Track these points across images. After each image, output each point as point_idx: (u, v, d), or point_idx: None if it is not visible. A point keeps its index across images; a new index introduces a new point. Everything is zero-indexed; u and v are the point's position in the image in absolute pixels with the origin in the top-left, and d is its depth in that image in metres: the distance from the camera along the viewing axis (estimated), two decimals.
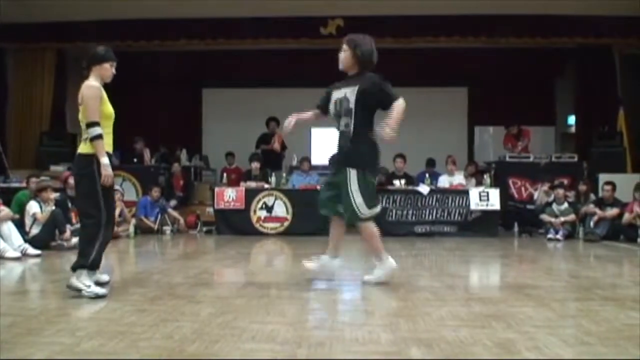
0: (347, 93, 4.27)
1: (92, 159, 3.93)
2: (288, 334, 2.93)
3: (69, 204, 7.58)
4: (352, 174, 4.22)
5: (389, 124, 4.10)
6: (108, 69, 4.17)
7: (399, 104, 4.17)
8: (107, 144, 4.04)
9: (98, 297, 3.81)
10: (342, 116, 4.28)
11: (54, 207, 6.98)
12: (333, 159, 4.64)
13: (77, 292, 3.83)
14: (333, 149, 4.46)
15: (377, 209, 4.38)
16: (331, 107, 4.38)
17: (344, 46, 4.37)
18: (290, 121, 4.54)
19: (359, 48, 4.30)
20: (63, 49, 11.87)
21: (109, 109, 4.12)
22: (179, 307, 3.58)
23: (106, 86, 4.21)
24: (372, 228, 4.35)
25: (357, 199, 4.20)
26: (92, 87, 4.06)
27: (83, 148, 4.00)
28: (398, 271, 4.59)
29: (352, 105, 4.23)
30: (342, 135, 4.32)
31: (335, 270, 4.64)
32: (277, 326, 3.07)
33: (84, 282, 3.88)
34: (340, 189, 4.29)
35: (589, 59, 11.81)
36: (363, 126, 4.24)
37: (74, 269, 3.92)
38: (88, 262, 3.90)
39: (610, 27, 10.59)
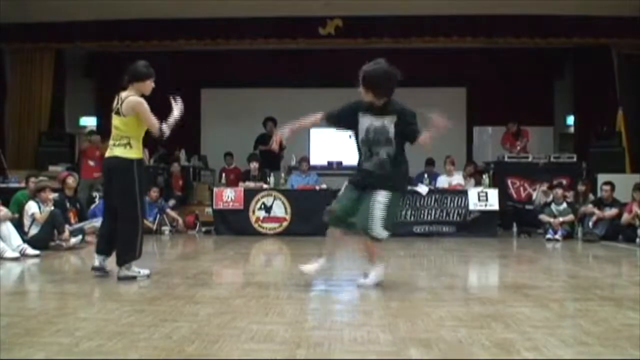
0: (385, 122, 4.20)
1: (133, 162, 4.51)
2: (287, 334, 2.93)
3: (67, 204, 7.58)
4: (381, 195, 4.17)
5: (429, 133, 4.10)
6: (149, 85, 4.63)
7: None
8: (140, 149, 4.63)
9: (148, 277, 4.62)
10: (383, 146, 4.20)
11: (52, 208, 6.97)
12: (359, 182, 4.33)
13: (131, 280, 4.50)
14: (351, 167, 4.36)
15: (387, 234, 4.22)
16: (363, 134, 4.25)
17: (361, 86, 4.18)
18: (283, 132, 4.51)
19: (373, 82, 4.13)
20: (61, 49, 11.86)
21: None
22: (178, 307, 3.57)
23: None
24: (375, 246, 4.30)
25: (376, 215, 4.13)
26: (143, 102, 4.53)
27: (123, 152, 4.53)
28: (397, 271, 4.59)
29: (391, 135, 4.19)
30: (380, 162, 4.21)
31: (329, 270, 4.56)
32: (276, 326, 3.07)
33: (134, 269, 4.60)
34: (360, 204, 4.21)
35: (587, 59, 11.84)
36: (400, 153, 4.27)
37: (122, 263, 4.54)
38: (136, 255, 4.59)
39: (608, 27, 10.60)
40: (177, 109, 4.63)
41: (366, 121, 4.26)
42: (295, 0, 10.23)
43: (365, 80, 4.13)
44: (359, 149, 4.34)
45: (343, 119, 4.43)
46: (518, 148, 10.62)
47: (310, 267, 4.49)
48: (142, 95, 4.59)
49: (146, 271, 4.70)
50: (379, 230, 4.14)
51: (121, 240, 4.61)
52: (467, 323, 3.18)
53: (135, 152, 4.57)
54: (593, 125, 11.29)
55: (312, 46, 11.49)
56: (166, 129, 4.54)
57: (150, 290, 4.17)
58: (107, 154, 4.65)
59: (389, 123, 4.20)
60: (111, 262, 4.71)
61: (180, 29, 11.07)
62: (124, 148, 4.53)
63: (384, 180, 4.21)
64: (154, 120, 4.53)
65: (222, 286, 4.79)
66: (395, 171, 4.25)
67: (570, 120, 12.96)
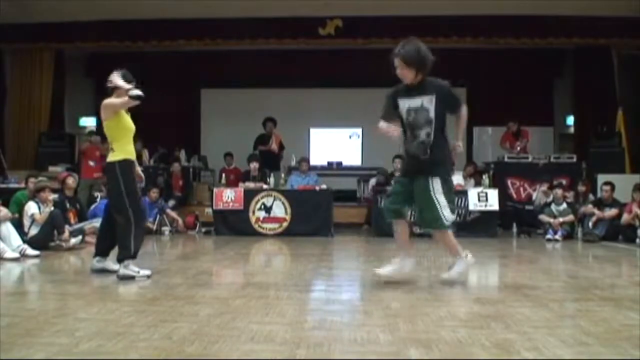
0: (424, 102, 4.17)
1: (115, 165, 4.65)
2: (287, 334, 2.93)
3: (67, 205, 7.58)
4: (436, 182, 4.20)
5: (459, 137, 4.26)
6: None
7: (464, 113, 4.30)
8: (130, 152, 4.76)
9: (148, 277, 4.60)
10: (423, 126, 4.18)
11: (52, 208, 6.97)
12: (408, 172, 4.39)
13: (129, 279, 4.51)
14: (378, 154, 4.42)
15: (454, 215, 4.39)
16: (404, 116, 4.23)
17: (396, 63, 4.20)
18: (383, 127, 4.34)
19: (410, 59, 4.17)
20: (61, 49, 11.87)
21: (130, 122, 4.80)
22: (178, 307, 3.57)
23: (105, 86, 4.76)
24: (451, 236, 4.39)
25: (442, 202, 4.18)
26: (110, 100, 4.73)
27: (110, 157, 4.71)
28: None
29: (432, 114, 4.16)
30: (421, 145, 4.19)
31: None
32: (275, 327, 3.07)
33: (133, 269, 4.61)
34: (415, 196, 4.26)
35: (587, 59, 11.85)
36: (441, 133, 4.25)
37: (119, 260, 4.61)
38: (131, 252, 4.60)
39: (608, 27, 10.61)
40: (132, 91, 4.59)
41: (405, 103, 4.24)
42: (295, 0, 10.23)
43: (404, 58, 4.16)
44: (404, 132, 4.31)
45: (391, 113, 4.35)
46: (518, 148, 10.62)
47: (385, 271, 4.41)
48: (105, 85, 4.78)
49: (146, 272, 4.71)
50: (448, 216, 4.21)
51: (117, 238, 4.76)
52: (467, 323, 3.18)
53: (117, 154, 4.72)
54: (593, 125, 11.29)
55: (312, 46, 11.49)
56: (132, 92, 4.54)
57: (150, 290, 4.16)
58: None
59: (427, 103, 4.17)
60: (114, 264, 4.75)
61: (180, 29, 11.08)
62: (111, 153, 4.76)
63: (432, 167, 4.21)
64: (121, 100, 4.64)
65: (222, 286, 4.79)
66: (435, 157, 4.20)
67: (570, 120, 12.97)
